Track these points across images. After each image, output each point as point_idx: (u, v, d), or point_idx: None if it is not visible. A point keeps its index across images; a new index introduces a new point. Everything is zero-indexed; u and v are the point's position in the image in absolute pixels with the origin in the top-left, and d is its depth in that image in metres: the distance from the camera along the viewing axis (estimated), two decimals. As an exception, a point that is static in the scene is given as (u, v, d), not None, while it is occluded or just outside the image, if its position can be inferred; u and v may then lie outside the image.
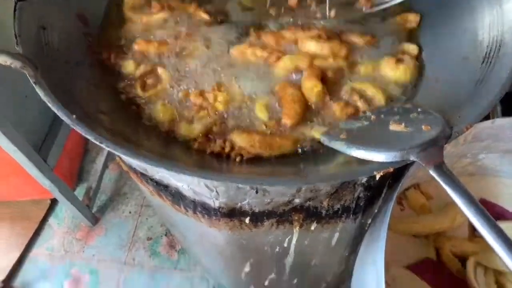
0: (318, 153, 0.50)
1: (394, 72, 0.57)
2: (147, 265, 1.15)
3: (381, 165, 0.40)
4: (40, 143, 0.95)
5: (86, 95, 0.52)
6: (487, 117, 0.62)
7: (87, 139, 1.35)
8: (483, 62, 0.52)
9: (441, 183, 0.39)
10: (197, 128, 0.53)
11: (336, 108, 0.52)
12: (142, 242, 1.20)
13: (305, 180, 0.44)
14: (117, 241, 1.20)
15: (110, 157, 1.32)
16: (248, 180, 0.42)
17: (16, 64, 0.46)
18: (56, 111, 0.44)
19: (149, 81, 0.58)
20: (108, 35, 0.64)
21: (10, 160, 0.95)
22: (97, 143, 0.41)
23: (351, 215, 0.62)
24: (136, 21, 0.66)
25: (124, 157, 0.49)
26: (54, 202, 1.27)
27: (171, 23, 0.66)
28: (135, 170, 0.61)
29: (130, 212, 1.26)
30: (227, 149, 0.50)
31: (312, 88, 0.53)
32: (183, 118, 0.54)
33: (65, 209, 1.26)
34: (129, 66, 0.60)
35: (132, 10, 0.68)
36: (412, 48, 0.60)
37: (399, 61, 0.58)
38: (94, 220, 1.23)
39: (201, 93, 0.56)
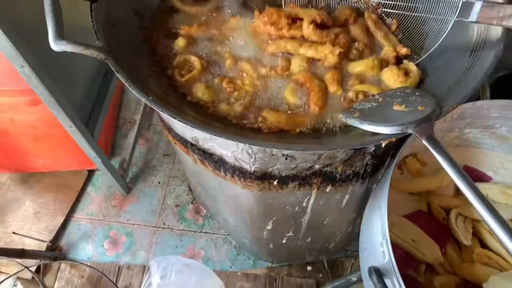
0: (333, 131, 0.63)
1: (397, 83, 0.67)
2: (176, 228, 1.31)
3: (386, 136, 0.54)
4: (87, 118, 1.08)
5: (149, 80, 0.65)
6: (478, 99, 0.75)
7: (118, 117, 1.49)
8: (470, 54, 0.64)
9: (431, 150, 0.52)
10: (237, 108, 0.66)
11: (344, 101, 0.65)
12: (171, 208, 1.35)
13: (327, 146, 0.57)
14: (149, 207, 1.35)
15: (139, 133, 1.45)
16: (285, 146, 0.55)
17: (101, 56, 0.58)
18: (136, 93, 0.57)
19: (185, 68, 0.70)
20: (159, 25, 0.77)
21: (58, 134, 1.09)
22: (171, 117, 0.54)
23: (360, 180, 0.75)
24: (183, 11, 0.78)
25: (186, 129, 0.61)
26: (91, 173, 1.42)
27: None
28: (184, 141, 0.74)
29: (159, 183, 1.41)
30: (259, 124, 0.63)
31: (332, 80, 0.66)
32: (223, 99, 0.66)
33: (101, 179, 1.41)
34: (179, 43, 0.73)
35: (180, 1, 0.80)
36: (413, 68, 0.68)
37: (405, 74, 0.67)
38: (128, 189, 1.38)
39: (231, 80, 0.68)
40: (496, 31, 0.63)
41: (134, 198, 1.38)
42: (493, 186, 0.75)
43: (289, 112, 0.65)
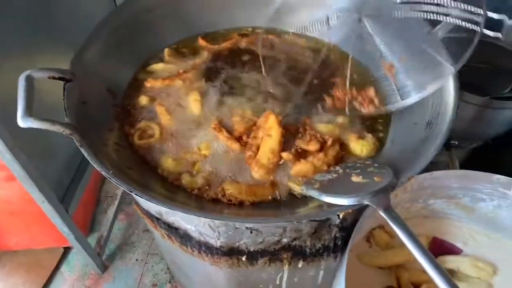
0: (295, 199, 0.63)
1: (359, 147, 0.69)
2: (151, 311, 1.22)
3: (344, 207, 0.53)
4: (63, 193, 1.07)
5: (116, 154, 0.66)
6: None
7: (100, 191, 1.49)
8: (426, 127, 0.66)
9: (388, 221, 0.51)
10: (199, 181, 0.66)
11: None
12: (147, 288, 1.28)
13: (287, 218, 0.56)
14: None
15: (120, 207, 1.43)
16: (246, 220, 0.54)
17: (66, 131, 0.60)
18: (97, 167, 0.57)
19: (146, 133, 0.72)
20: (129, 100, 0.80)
21: (34, 210, 1.07)
22: (128, 191, 0.54)
23: (332, 254, 0.73)
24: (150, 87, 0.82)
25: (150, 203, 0.61)
26: (66, 250, 1.36)
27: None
28: (151, 215, 0.73)
29: (137, 260, 1.35)
30: (220, 195, 0.63)
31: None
32: (185, 171, 0.67)
33: (77, 257, 1.35)
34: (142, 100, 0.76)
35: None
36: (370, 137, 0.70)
37: (361, 138, 0.70)
38: (104, 267, 1.31)
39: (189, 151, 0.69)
40: (448, 103, 0.66)
41: (110, 277, 1.31)
42: (464, 259, 0.72)
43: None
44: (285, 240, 0.67)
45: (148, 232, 1.43)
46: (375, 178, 0.56)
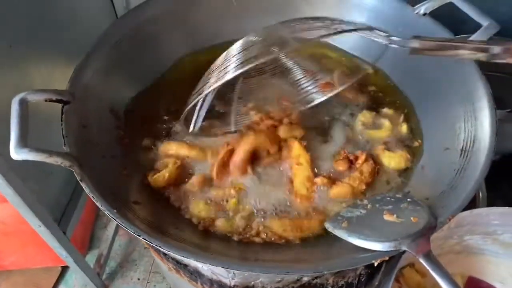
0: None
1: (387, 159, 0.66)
2: (154, 334, 1.16)
3: (378, 254, 0.47)
4: (60, 215, 1.01)
5: (121, 187, 0.60)
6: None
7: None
8: (461, 154, 0.60)
9: (429, 269, 0.45)
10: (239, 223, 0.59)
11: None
12: (150, 310, 1.22)
13: (318, 267, 0.49)
14: (125, 309, 1.22)
15: (120, 223, 1.37)
16: (266, 269, 0.48)
17: (65, 163, 0.54)
18: (100, 206, 0.52)
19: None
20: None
21: (29, 231, 1.01)
22: (135, 235, 0.48)
23: (354, 290, 0.67)
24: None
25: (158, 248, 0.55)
26: (64, 269, 1.30)
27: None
28: (157, 249, 0.67)
29: (138, 279, 1.29)
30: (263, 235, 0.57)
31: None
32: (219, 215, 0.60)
33: (75, 276, 1.29)
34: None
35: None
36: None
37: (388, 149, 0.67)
38: (104, 287, 1.25)
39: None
40: (484, 126, 0.60)
41: (110, 298, 1.25)
42: (503, 301, 0.66)
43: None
44: (305, 279, 0.61)
45: (150, 249, 1.37)
46: (411, 218, 0.50)
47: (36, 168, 0.91)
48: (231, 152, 0.63)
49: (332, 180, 0.62)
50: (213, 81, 0.55)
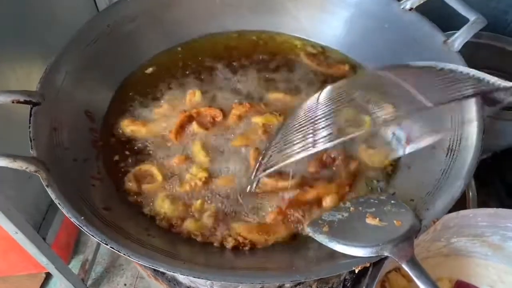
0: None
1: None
2: None
3: (359, 259, 0.45)
4: (40, 221, 0.97)
5: (91, 192, 0.57)
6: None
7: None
8: (447, 154, 0.58)
9: (412, 276, 0.43)
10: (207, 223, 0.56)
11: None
12: (136, 316, 1.19)
13: (295, 275, 0.46)
14: (111, 315, 1.19)
15: (106, 227, 1.34)
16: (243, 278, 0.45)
17: (31, 168, 0.51)
18: (66, 213, 0.48)
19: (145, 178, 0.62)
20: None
21: (10, 238, 0.97)
22: (103, 243, 0.46)
23: (340, 296, 0.65)
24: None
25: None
26: (48, 275, 1.26)
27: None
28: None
29: (125, 285, 1.25)
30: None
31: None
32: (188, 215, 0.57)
33: (60, 282, 1.25)
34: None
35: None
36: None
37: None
38: (88, 293, 1.22)
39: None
40: (471, 126, 0.58)
41: (96, 304, 1.22)
42: (493, 306, 0.64)
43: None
44: (287, 286, 0.59)
45: (137, 253, 1.33)
46: (394, 221, 0.48)
47: (13, 173, 0.87)
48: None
49: (302, 185, 0.58)
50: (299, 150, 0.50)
